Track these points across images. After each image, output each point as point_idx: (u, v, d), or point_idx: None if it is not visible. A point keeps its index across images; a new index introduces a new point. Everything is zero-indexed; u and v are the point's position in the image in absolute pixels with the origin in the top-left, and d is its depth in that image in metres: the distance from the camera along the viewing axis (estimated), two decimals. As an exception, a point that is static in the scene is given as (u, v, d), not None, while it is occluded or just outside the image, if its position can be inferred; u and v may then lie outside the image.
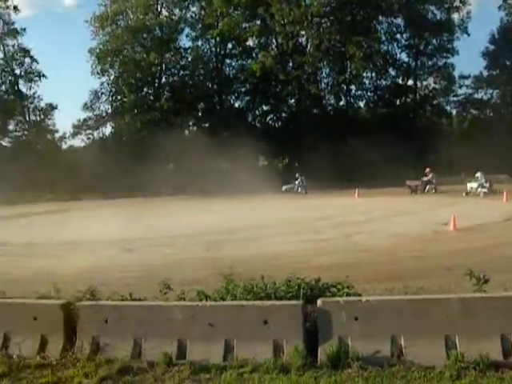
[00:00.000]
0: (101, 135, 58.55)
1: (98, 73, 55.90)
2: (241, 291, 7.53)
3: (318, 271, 8.80)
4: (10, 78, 57.33)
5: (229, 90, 58.44)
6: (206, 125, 58.59)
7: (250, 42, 56.73)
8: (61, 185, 45.79)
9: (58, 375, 6.51)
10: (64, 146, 60.22)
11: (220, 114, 55.73)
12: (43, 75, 57.56)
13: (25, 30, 56.67)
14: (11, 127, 59.36)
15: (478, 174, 35.02)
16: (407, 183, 39.21)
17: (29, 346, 7.17)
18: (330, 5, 50.66)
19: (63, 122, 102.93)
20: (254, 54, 56.46)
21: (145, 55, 55.21)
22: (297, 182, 42.14)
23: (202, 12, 56.67)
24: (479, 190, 34.46)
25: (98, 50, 55.20)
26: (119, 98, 57.80)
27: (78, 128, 57.54)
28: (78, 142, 61.42)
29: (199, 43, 58.53)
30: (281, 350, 6.47)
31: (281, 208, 30.36)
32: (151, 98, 56.93)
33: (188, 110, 54.74)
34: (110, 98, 57.81)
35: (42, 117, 58.59)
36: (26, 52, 57.00)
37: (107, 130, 59.11)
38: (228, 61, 59.21)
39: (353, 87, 56.66)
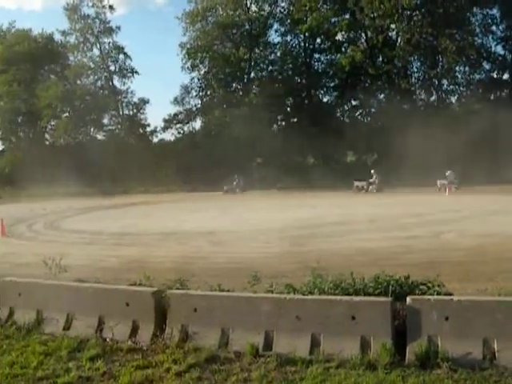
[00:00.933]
0: (190, 129, 59.71)
1: (188, 68, 57.11)
2: (329, 286, 7.48)
3: (406, 269, 8.57)
4: (105, 74, 59.63)
5: (317, 84, 57.92)
6: (295, 120, 58.55)
7: (338, 37, 55.90)
8: (151, 177, 47.12)
9: (148, 360, 6.71)
10: (155, 140, 62.00)
11: (308, 109, 55.43)
12: (136, 71, 59.59)
13: (119, 28, 58.86)
14: (105, 121, 61.84)
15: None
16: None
17: (121, 331, 7.45)
18: (421, -3, 49.21)
19: (154, 116, 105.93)
20: (342, 49, 55.64)
21: (234, 50, 55.81)
22: (371, 180, 41.02)
23: (291, 7, 56.47)
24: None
25: (188, 46, 56.33)
26: (209, 92, 58.83)
27: (169, 122, 58.85)
28: (169, 135, 63.07)
29: (288, 38, 58.33)
30: (368, 347, 6.37)
31: (367, 204, 29.97)
32: (240, 92, 57.45)
33: (276, 105, 54.66)
34: (200, 93, 58.87)
35: (135, 111, 60.46)
36: (120, 49, 59.12)
37: (197, 124, 60.25)
38: (317, 55, 58.68)
39: (444, 82, 54.62)
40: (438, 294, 7.07)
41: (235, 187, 42.20)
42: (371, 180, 40.50)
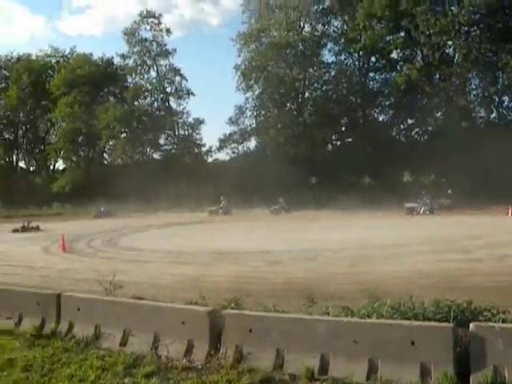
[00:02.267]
0: (245, 149, 60.17)
1: (243, 88, 57.80)
2: (387, 309, 7.28)
3: (468, 293, 8.29)
4: (161, 95, 61.09)
5: (372, 103, 57.57)
6: (349, 139, 58.32)
7: (393, 55, 55.54)
8: (206, 196, 47.54)
9: (202, 379, 6.67)
10: (210, 160, 62.76)
11: (363, 129, 55.06)
12: (192, 92, 60.72)
13: (175, 50, 60.37)
14: (162, 141, 63.14)
15: None
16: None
17: (176, 349, 7.46)
18: (479, 12, 48.18)
19: (209, 135, 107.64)
20: (398, 67, 55.12)
21: (288, 70, 56.16)
22: (422, 201, 40.13)
23: (345, 26, 56.60)
24: None
25: (243, 67, 57.00)
26: (263, 112, 59.29)
27: (224, 142, 59.57)
28: (223, 155, 63.78)
29: (342, 57, 58.52)
30: (428, 375, 6.14)
31: (422, 225, 29.33)
32: (294, 112, 57.63)
33: (331, 125, 54.58)
34: (255, 113, 59.51)
35: (190, 131, 61.60)
36: (176, 71, 60.55)
37: (251, 144, 60.81)
38: (371, 74, 58.49)
39: (505, 98, 53.37)
40: (504, 321, 6.77)
41: (280, 208, 42.08)
42: (421, 201, 39.81)
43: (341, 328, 6.76)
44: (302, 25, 57.64)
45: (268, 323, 7.16)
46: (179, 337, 7.51)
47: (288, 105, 59.15)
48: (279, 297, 10.17)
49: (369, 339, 6.52)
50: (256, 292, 11.09)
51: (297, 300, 8.75)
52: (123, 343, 8.00)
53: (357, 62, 58.19)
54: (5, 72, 70.36)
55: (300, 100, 58.07)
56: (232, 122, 58.78)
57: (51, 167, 72.13)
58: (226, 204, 44.30)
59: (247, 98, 58.87)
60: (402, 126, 57.90)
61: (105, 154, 67.19)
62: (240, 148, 60.14)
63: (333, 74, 58.57)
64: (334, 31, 58.09)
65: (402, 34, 52.98)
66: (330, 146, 59.32)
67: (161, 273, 15.67)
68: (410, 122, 56.99)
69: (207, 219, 39.24)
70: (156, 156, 64.42)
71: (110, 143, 63.26)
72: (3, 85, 69.63)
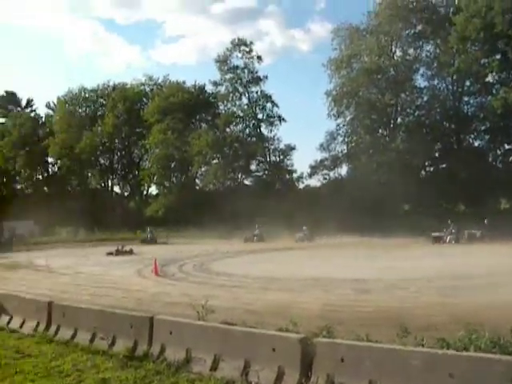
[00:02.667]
0: (336, 175, 59.75)
1: (334, 115, 57.47)
2: (485, 342, 6.92)
3: None
4: (253, 121, 61.89)
5: (467, 128, 55.61)
6: (443, 165, 56.59)
7: (489, 78, 53.57)
8: (297, 223, 47.36)
9: (293, 408, 6.58)
10: (301, 186, 62.74)
11: (458, 154, 53.23)
12: (283, 119, 61.17)
13: (267, 77, 61.09)
14: (253, 167, 63.82)
15: None
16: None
17: (266, 376, 7.39)
18: None
19: (300, 161, 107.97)
20: (494, 90, 53.10)
21: (380, 96, 55.49)
22: (448, 230, 39.03)
23: (437, 50, 55.31)
24: None
25: (334, 93, 56.82)
26: (355, 138, 58.71)
27: (315, 168, 59.39)
28: (315, 181, 63.55)
29: (435, 82, 56.91)
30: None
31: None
32: (387, 138, 56.71)
33: (424, 151, 53.09)
34: (346, 139, 58.95)
35: (281, 157, 61.83)
36: (267, 97, 61.20)
37: (343, 170, 60.25)
38: (466, 98, 56.48)
39: None
40: None
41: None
42: (447, 231, 39.31)
43: (436, 360, 6.46)
44: (393, 49, 56.97)
45: (360, 353, 6.96)
46: (270, 363, 7.44)
47: (380, 131, 58.34)
48: (370, 326, 9.91)
49: (466, 374, 6.19)
50: (346, 320, 10.91)
51: (388, 329, 8.52)
52: (214, 368, 8.02)
53: (450, 87, 56.50)
54: (102, 100, 73.88)
55: (392, 126, 57.08)
56: (323, 148, 58.56)
57: (145, 192, 74.68)
58: (308, 231, 43.88)
59: (338, 124, 58.59)
60: (498, 152, 55.47)
61: (197, 180, 68.77)
62: (331, 174, 59.83)
63: (425, 99, 57.21)
64: (426, 55, 56.88)
65: (498, 56, 51.08)
66: (423, 173, 57.80)
67: (251, 298, 15.70)
68: (507, 147, 54.57)
69: (295, 246, 39.05)
70: (247, 182, 65.28)
71: (202, 169, 64.56)
72: (100, 112, 73.03)
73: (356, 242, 39.33)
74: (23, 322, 12.02)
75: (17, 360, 9.38)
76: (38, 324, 11.52)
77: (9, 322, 12.44)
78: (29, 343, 10.54)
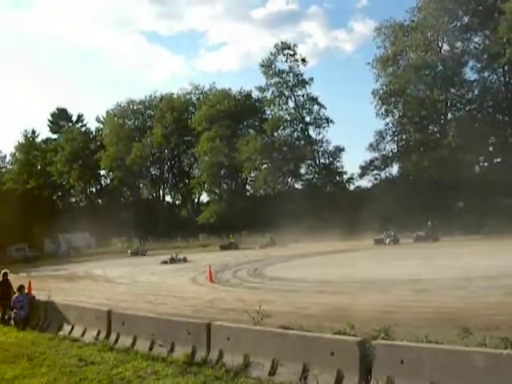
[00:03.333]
0: (387, 175, 58.99)
1: (382, 113, 56.80)
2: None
3: None
4: (300, 125, 61.71)
5: (523, 120, 54.02)
6: (498, 160, 55.08)
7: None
8: (349, 225, 47.01)
9: (354, 412, 6.51)
10: (351, 187, 62.24)
11: (513, 148, 51.74)
12: (331, 120, 60.78)
13: (312, 79, 60.82)
14: (303, 171, 63.68)
15: None
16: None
17: (325, 379, 7.33)
18: None
19: (350, 163, 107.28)
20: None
21: (428, 92, 54.47)
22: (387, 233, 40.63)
23: (486, 41, 53.85)
24: None
25: (381, 92, 56.15)
26: (404, 137, 57.90)
27: (365, 169, 58.83)
28: (365, 182, 62.95)
29: (485, 74, 55.48)
30: None
31: None
32: (437, 135, 55.73)
33: (478, 146, 51.75)
34: (395, 138, 58.15)
35: (331, 159, 61.45)
36: (314, 100, 60.92)
37: (394, 169, 59.46)
38: (519, 89, 54.95)
39: None
40: None
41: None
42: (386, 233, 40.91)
43: (501, 362, 6.26)
44: (440, 44, 55.93)
45: (421, 354, 6.81)
46: (328, 367, 7.38)
47: (430, 127, 57.35)
48: (428, 327, 9.73)
49: (534, 375, 5.98)
50: (404, 321, 10.72)
51: (448, 330, 8.34)
52: (272, 373, 8.02)
53: (502, 78, 54.99)
54: (149, 111, 75.14)
55: (442, 122, 56.00)
56: (372, 147, 57.97)
57: (196, 200, 75.45)
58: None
59: (387, 123, 57.86)
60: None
61: (247, 186, 69.09)
62: (382, 174, 59.17)
63: (476, 92, 55.89)
64: (474, 47, 55.53)
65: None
66: (477, 168, 56.41)
67: (307, 302, 15.62)
68: None
69: (349, 248, 38.67)
70: (298, 186, 65.26)
71: (252, 175, 64.89)
72: (148, 124, 74.31)
73: (410, 242, 38.74)
74: (84, 331, 12.32)
75: (80, 368, 9.64)
76: (98, 332, 11.78)
77: (71, 331, 12.78)
78: (91, 351, 10.79)
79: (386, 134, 57.82)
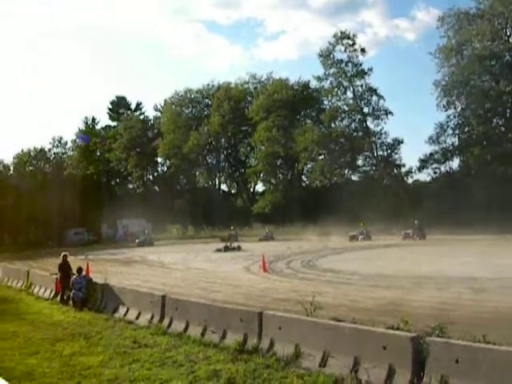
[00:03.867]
0: (447, 169, 57.61)
1: (443, 105, 55.39)
2: None
3: None
4: (358, 116, 60.84)
5: None
6: None
7: None
8: (406, 219, 46.20)
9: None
10: (410, 181, 61.15)
11: None
12: (390, 112, 59.71)
13: (371, 69, 59.80)
14: (360, 162, 62.94)
15: None
16: None
17: (377, 374, 7.22)
18: None
19: (408, 156, 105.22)
20: None
21: (494, 84, 52.69)
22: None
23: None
24: None
25: (443, 83, 54.71)
26: (467, 130, 56.23)
27: (425, 162, 57.57)
28: (424, 176, 61.71)
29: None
30: None
31: None
32: (502, 128, 53.90)
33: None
34: (457, 131, 56.63)
35: (389, 152, 60.42)
36: (373, 91, 59.92)
37: (454, 163, 57.96)
38: None
39: None
40: None
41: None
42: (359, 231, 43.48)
43: None
44: (508, 33, 53.76)
45: (477, 354, 6.60)
46: (380, 362, 7.28)
47: (494, 120, 55.48)
48: (487, 327, 9.40)
49: None
50: (460, 320, 10.45)
51: (508, 331, 8.05)
52: (323, 364, 7.97)
53: None
54: (207, 100, 75.73)
55: (508, 115, 54.00)
56: (433, 140, 56.57)
57: (251, 189, 75.74)
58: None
59: (449, 116, 56.38)
60: None
61: (303, 177, 68.82)
62: (442, 168, 57.77)
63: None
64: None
65: None
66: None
67: (360, 295, 15.47)
68: None
69: (405, 242, 38.06)
70: (354, 178, 64.64)
71: (308, 165, 64.59)
72: (206, 113, 74.92)
73: (469, 239, 37.72)
74: (139, 314, 12.58)
75: (134, 349, 9.88)
76: (152, 316, 12.01)
77: (125, 314, 13.08)
78: (144, 334, 11.04)
79: (448, 126, 56.37)
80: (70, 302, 15.76)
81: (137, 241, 51.87)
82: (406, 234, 41.71)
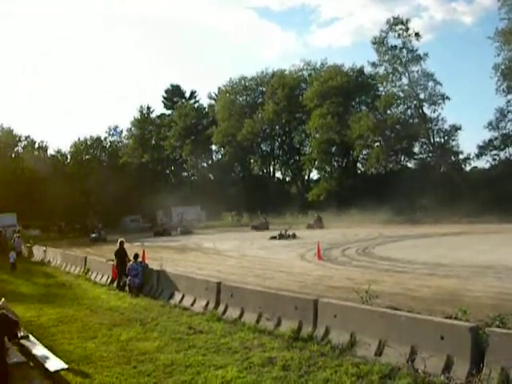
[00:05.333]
0: (508, 155, 55.80)
1: (503, 90, 53.54)
2: None
3: None
4: (414, 102, 59.49)
5: None
6: None
7: None
8: (463, 207, 45.16)
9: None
10: (467, 168, 59.67)
11: None
12: (447, 97, 58.21)
13: (427, 54, 58.31)
14: (416, 150, 61.79)
15: None
16: None
17: (434, 364, 7.15)
18: None
19: (467, 142, 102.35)
20: None
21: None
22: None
23: None
24: None
25: (503, 67, 52.91)
26: (527, 115, 54.32)
27: (483, 149, 55.97)
28: (483, 163, 60.02)
29: None
30: None
31: None
32: None
33: None
34: (518, 116, 54.70)
35: (446, 138, 58.96)
36: (429, 76, 58.39)
37: (515, 150, 55.96)
38: None
39: None
40: None
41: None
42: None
43: None
44: None
45: (542, 348, 6.43)
46: (437, 352, 7.19)
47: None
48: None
49: None
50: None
51: None
52: (378, 353, 7.93)
53: None
54: (261, 88, 75.66)
55: None
56: (492, 126, 54.73)
57: (305, 177, 75.43)
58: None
59: (509, 100, 54.45)
60: None
61: (358, 164, 68.14)
62: (502, 155, 55.97)
63: None
64: None
65: None
66: None
67: (416, 284, 15.25)
68: None
69: (463, 230, 37.17)
70: (410, 165, 63.50)
71: (364, 153, 63.83)
72: (260, 100, 74.88)
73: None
74: (194, 301, 12.77)
75: (189, 335, 10.06)
76: (207, 303, 12.18)
77: (181, 300, 13.30)
78: (199, 320, 11.20)
79: (508, 111, 54.47)
80: (126, 288, 16.13)
81: (178, 230, 52.71)
82: (309, 224, 48.11)
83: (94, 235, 47.94)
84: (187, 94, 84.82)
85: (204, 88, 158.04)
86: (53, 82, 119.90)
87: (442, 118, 58.49)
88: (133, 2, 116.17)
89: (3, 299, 5.55)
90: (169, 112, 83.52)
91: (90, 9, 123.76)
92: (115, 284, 17.24)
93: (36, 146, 74.72)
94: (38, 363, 7.93)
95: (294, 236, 37.18)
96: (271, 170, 77.90)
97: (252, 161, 77.24)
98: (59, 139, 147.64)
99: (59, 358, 8.13)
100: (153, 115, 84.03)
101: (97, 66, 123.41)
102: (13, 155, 71.24)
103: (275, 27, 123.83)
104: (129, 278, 16.08)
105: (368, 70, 64.95)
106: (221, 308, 11.70)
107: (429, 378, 7.00)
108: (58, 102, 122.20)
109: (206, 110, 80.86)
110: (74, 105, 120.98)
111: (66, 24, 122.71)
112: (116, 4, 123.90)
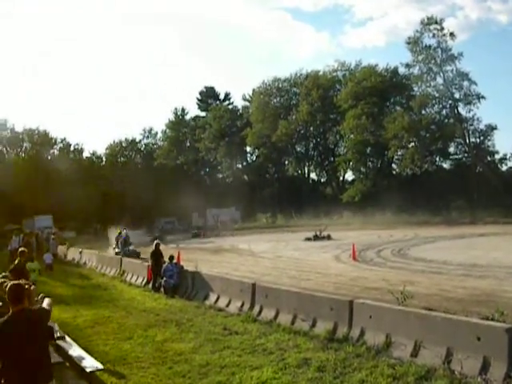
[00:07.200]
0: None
1: (542, 89, 52.66)
2: None
3: None
4: (449, 102, 58.82)
5: None
6: None
7: None
8: (501, 207, 44.36)
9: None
10: (503, 168, 58.70)
11: None
12: (482, 97, 57.34)
13: (462, 54, 57.55)
14: (452, 150, 61.00)
15: None
16: None
17: (470, 365, 7.11)
18: None
19: (502, 142, 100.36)
20: None
21: None
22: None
23: None
24: None
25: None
26: None
27: (520, 148, 55.12)
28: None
29: None
30: None
31: None
32: None
33: None
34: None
35: (482, 138, 58.10)
36: (464, 75, 57.66)
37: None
38: None
39: None
40: None
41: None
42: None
43: None
44: None
45: None
46: (474, 353, 7.15)
47: None
48: None
49: None
50: None
51: None
52: (414, 354, 7.92)
53: None
54: (295, 89, 75.55)
55: None
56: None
57: (340, 178, 75.06)
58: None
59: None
60: None
61: (393, 165, 67.50)
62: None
63: None
64: None
65: None
66: None
67: (452, 285, 15.12)
68: None
69: (503, 231, 36.53)
70: (445, 165, 62.74)
71: (399, 153, 63.24)
72: (294, 101, 74.75)
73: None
74: (229, 302, 12.88)
75: (225, 336, 10.15)
76: (242, 304, 12.27)
77: (216, 301, 13.43)
78: (235, 321, 11.30)
79: (547, 110, 53.58)
80: (162, 290, 16.32)
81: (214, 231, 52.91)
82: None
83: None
84: (221, 96, 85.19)
85: (238, 89, 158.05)
86: (53, 82, 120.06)
87: (477, 117, 57.78)
88: (165, 2, 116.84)
89: (51, 299, 5.67)
90: (203, 114, 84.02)
91: (89, 9, 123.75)
92: (150, 285, 17.46)
93: (71, 148, 75.91)
94: (75, 364, 8.11)
95: (328, 237, 37.04)
96: (306, 171, 77.73)
97: (286, 162, 77.19)
98: (93, 142, 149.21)
99: (95, 358, 8.30)
100: (187, 117, 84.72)
101: (131, 66, 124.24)
102: (49, 157, 72.34)
103: (308, 27, 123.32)
104: (164, 279, 16.28)
105: (402, 70, 64.42)
106: (256, 309, 11.78)
107: (465, 379, 6.97)
108: (76, 102, 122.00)
109: (240, 111, 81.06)
110: (111, 108, 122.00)
111: (66, 24, 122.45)
112: (138, 2, 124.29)
